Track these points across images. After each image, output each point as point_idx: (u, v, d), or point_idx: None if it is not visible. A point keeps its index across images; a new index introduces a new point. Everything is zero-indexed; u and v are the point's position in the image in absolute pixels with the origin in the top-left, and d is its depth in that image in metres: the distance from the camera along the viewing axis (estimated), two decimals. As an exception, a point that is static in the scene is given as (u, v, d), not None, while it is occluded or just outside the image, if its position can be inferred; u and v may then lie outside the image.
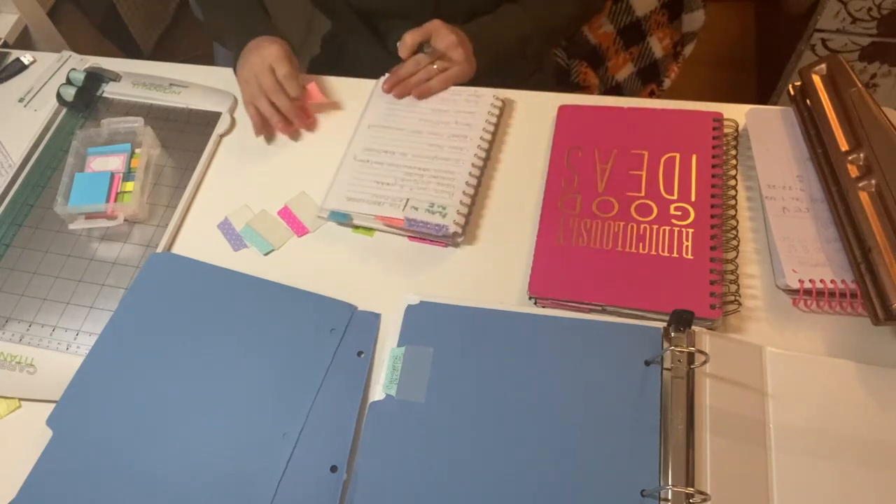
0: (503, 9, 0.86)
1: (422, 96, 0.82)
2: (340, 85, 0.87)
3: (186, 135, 0.83)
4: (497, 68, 0.85)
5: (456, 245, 0.72)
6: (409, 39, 0.79)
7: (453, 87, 0.83)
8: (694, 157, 0.72)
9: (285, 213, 0.76)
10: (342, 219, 0.74)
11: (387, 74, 0.84)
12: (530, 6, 0.86)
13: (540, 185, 0.75)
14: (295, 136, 0.83)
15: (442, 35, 0.79)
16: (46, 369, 0.67)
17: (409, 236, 0.73)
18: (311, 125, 0.83)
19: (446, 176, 0.74)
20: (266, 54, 0.79)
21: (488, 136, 0.78)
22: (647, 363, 0.60)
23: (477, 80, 0.84)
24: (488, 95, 0.81)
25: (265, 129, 0.82)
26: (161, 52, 1.88)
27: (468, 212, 0.72)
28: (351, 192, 0.74)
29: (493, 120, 0.80)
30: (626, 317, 0.64)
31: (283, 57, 0.79)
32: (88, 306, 0.71)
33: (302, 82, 0.81)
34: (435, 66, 0.81)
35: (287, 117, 0.81)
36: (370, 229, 0.74)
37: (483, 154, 0.77)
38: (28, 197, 0.79)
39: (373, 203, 0.73)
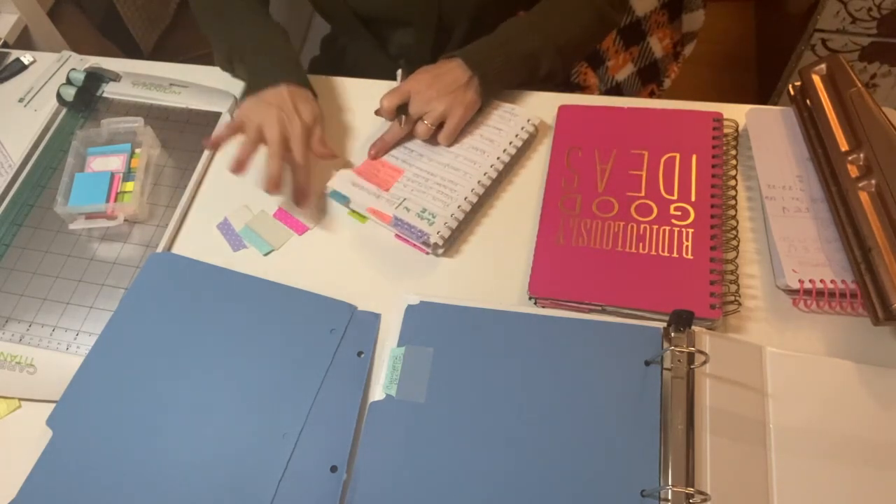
0: (504, 25, 0.79)
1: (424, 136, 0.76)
2: (342, 85, 0.87)
3: (186, 135, 0.83)
4: (510, 87, 0.80)
5: (436, 254, 0.71)
6: (386, 104, 0.75)
7: (499, 105, 0.79)
8: (694, 157, 0.72)
9: (281, 215, 0.76)
10: (341, 200, 0.75)
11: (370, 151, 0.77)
12: (535, 18, 0.79)
13: (540, 185, 0.75)
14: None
15: (419, 96, 0.74)
16: (46, 369, 0.66)
17: (395, 234, 0.73)
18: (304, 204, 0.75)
19: (449, 186, 0.73)
20: (303, 106, 0.72)
21: (506, 158, 0.75)
22: (647, 363, 0.60)
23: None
24: (522, 117, 0.78)
25: (241, 170, 0.70)
26: (161, 52, 1.88)
27: (456, 226, 0.71)
28: (356, 178, 0.75)
29: (519, 143, 0.76)
30: (626, 317, 0.64)
31: (318, 118, 0.73)
32: (88, 306, 0.71)
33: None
34: (427, 122, 0.75)
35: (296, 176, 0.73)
36: (364, 216, 0.75)
37: (494, 175, 0.74)
38: (28, 197, 0.79)
39: (371, 193, 0.74)
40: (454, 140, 0.77)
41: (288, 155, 0.71)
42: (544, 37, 0.78)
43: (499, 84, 0.78)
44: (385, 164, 0.76)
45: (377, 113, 0.78)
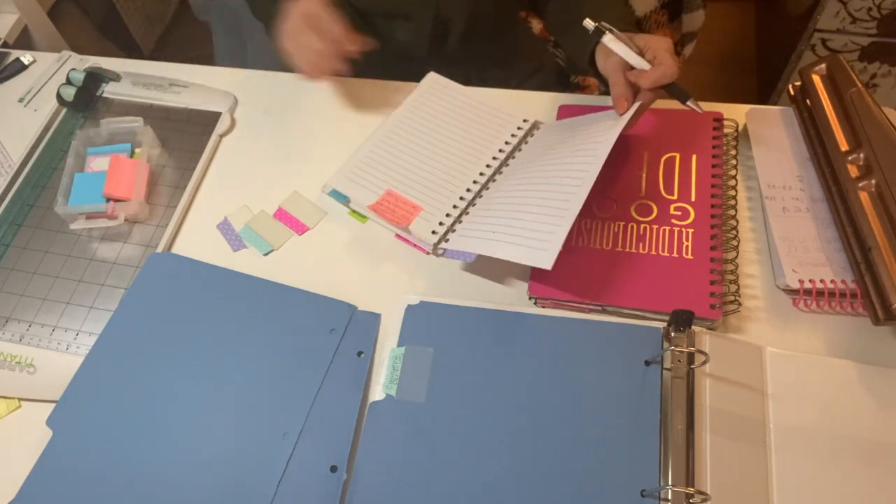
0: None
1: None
2: (343, 85, 0.87)
3: (186, 135, 0.83)
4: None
5: (436, 255, 0.71)
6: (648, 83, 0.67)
7: (495, 109, 0.79)
8: (694, 157, 0.72)
9: (281, 215, 0.76)
10: (341, 199, 0.75)
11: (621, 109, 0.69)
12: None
13: (540, 185, 0.75)
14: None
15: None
16: (46, 369, 0.67)
17: (395, 234, 0.73)
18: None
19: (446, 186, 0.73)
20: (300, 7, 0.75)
21: (502, 156, 0.76)
22: (647, 363, 0.60)
23: (476, 76, 0.83)
24: (518, 118, 0.79)
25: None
26: (161, 52, 1.89)
27: (452, 223, 0.71)
28: (356, 177, 0.75)
29: (514, 141, 0.77)
30: (626, 317, 0.64)
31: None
32: (88, 306, 0.70)
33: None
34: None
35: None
36: (364, 216, 0.75)
37: (490, 172, 0.74)
38: (28, 197, 0.79)
39: (371, 192, 0.74)
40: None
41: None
42: None
43: None
44: (401, 199, 0.74)
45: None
